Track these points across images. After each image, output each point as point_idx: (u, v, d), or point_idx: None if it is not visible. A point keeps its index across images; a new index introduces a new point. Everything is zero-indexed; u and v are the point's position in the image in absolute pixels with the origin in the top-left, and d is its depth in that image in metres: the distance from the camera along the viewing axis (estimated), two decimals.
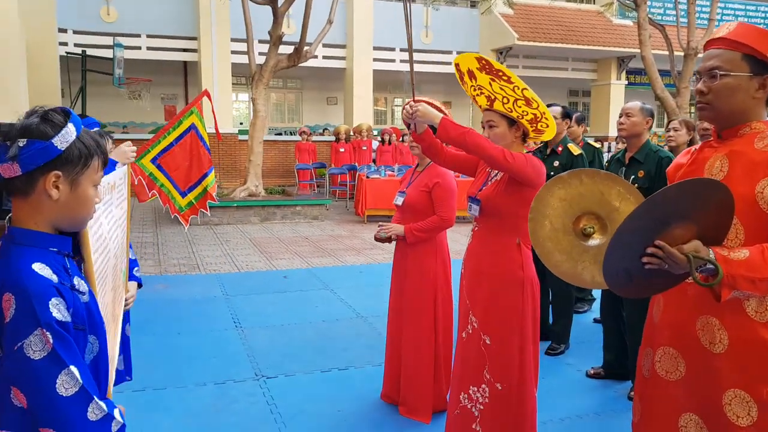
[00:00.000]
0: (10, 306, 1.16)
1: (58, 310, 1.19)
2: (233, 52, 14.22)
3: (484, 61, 2.32)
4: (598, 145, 4.91)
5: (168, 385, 3.50)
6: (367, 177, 10.53)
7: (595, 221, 1.82)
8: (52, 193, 1.23)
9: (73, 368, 1.20)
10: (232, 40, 14.11)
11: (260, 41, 12.50)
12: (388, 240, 3.05)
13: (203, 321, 4.70)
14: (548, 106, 4.27)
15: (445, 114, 3.00)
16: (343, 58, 16.09)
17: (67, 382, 1.19)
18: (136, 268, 2.58)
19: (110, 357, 1.68)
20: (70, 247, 1.33)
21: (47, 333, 1.16)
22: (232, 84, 15.04)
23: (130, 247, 2.63)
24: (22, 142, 1.20)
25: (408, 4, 2.38)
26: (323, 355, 4.05)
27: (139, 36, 14.01)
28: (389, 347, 3.26)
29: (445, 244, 3.09)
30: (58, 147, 1.22)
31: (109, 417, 1.27)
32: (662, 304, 1.73)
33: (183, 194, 5.90)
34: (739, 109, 1.62)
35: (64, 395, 1.19)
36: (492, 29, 16.17)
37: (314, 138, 14.86)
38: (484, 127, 2.49)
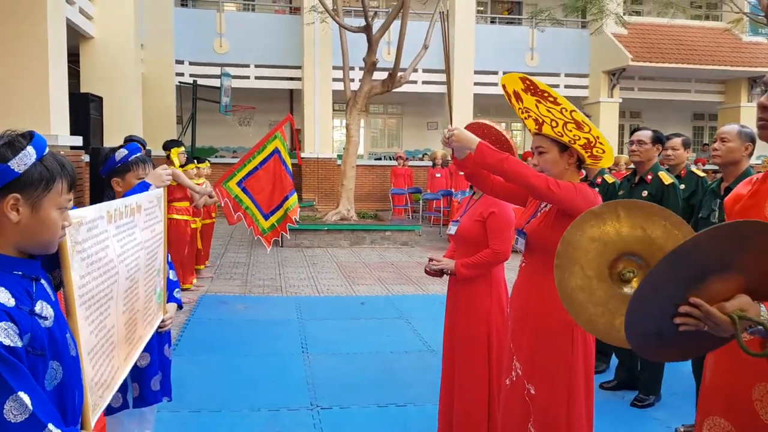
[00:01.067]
0: None
1: (6, 335, 1.13)
2: (334, 80, 14.65)
3: (528, 82, 2.08)
4: (703, 174, 4.33)
5: (224, 407, 3.48)
6: (459, 203, 10.31)
7: (636, 263, 1.51)
8: (11, 216, 1.19)
9: (21, 394, 1.14)
10: (334, 68, 14.56)
11: (360, 68, 12.81)
12: (439, 274, 2.85)
13: (272, 344, 4.70)
14: (637, 129, 3.91)
15: (507, 139, 2.78)
16: (443, 83, 16.04)
17: (16, 409, 1.13)
18: (176, 290, 2.58)
19: (108, 380, 1.64)
20: (37, 271, 1.29)
21: None
22: (334, 110, 15.48)
23: (171, 267, 2.63)
24: None
25: (446, 24, 2.21)
26: (384, 388, 3.88)
27: (248, 66, 14.87)
28: (443, 387, 3.03)
29: (502, 278, 2.82)
30: (15, 170, 1.18)
31: None
32: (713, 365, 1.41)
33: (266, 217, 6.04)
34: None
35: (12, 422, 1.13)
36: (603, 50, 15.42)
37: (412, 163, 14.87)
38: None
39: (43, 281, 1.32)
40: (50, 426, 1.18)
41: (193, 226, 6.17)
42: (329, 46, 14.39)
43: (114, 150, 2.42)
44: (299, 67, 15.18)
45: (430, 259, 2.86)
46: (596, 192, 2.12)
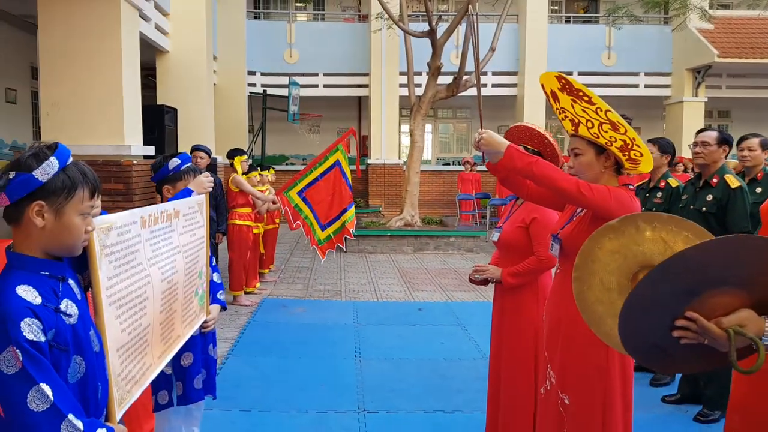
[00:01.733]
0: None
1: (30, 330, 1.22)
2: (401, 86, 14.73)
3: (564, 80, 2.02)
4: None
5: (273, 408, 3.56)
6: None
7: None
8: (36, 221, 1.29)
9: (43, 386, 1.22)
10: (401, 73, 14.64)
11: (427, 73, 12.83)
12: (484, 283, 2.80)
13: (327, 347, 4.77)
14: (703, 130, 3.68)
15: (551, 141, 2.69)
16: (514, 86, 15.80)
17: (38, 399, 1.22)
18: (220, 292, 2.67)
19: (139, 377, 1.72)
20: (64, 271, 1.38)
21: (17, 351, 1.20)
22: (401, 116, 15.56)
23: (216, 270, 2.72)
24: (11, 175, 1.27)
25: (475, 25, 2.18)
26: (433, 395, 3.85)
27: (316, 75, 15.22)
28: (490, 396, 2.97)
29: (549, 284, 2.74)
30: (39, 179, 1.28)
31: None
32: (734, 377, 1.32)
33: (323, 227, 6.15)
34: None
35: (35, 410, 1.22)
36: (687, 46, 14.62)
37: (481, 168, 14.69)
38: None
39: (70, 281, 1.41)
40: (70, 416, 1.26)
41: (255, 231, 6.36)
42: (396, 52, 14.48)
43: (166, 159, 2.54)
44: (367, 74, 15.40)
45: (475, 268, 2.82)
46: (633, 196, 2.02)
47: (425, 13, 10.54)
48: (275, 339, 4.91)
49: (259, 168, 7.13)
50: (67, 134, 5.77)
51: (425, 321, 5.67)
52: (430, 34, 10.24)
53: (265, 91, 13.14)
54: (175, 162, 2.49)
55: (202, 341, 2.52)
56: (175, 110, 8.77)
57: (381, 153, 15.05)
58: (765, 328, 1.19)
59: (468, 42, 10.43)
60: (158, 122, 8.13)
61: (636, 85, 15.35)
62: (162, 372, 2.42)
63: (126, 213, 1.69)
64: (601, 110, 1.94)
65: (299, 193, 6.14)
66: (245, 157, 6.21)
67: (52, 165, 1.30)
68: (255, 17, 16.34)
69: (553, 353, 2.10)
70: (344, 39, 15.36)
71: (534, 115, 15.16)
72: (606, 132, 1.98)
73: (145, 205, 6.41)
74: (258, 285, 6.68)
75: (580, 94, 1.98)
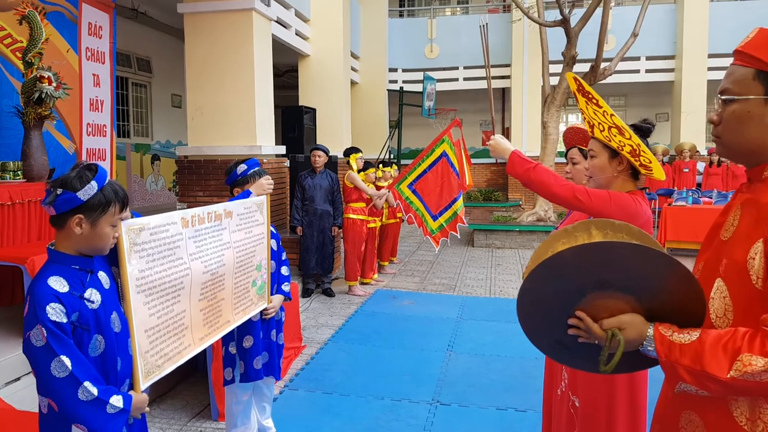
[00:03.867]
0: (26, 306, 1.58)
1: (54, 313, 1.55)
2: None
3: (578, 82, 1.96)
4: None
5: (353, 393, 3.81)
6: (671, 204, 9.26)
7: None
8: (75, 230, 1.62)
9: (63, 357, 1.55)
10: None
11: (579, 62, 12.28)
12: None
13: (422, 340, 4.91)
14: None
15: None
16: (670, 71, 14.50)
17: (59, 368, 1.55)
18: (285, 283, 2.95)
19: (173, 354, 2.03)
20: (92, 266, 1.70)
21: (43, 329, 1.53)
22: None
23: (286, 263, 3.01)
24: (59, 191, 1.61)
25: (485, 32, 2.16)
26: (511, 392, 3.83)
27: (457, 68, 15.28)
28: (545, 396, 2.93)
29: None
30: (81, 198, 1.60)
31: (100, 401, 1.60)
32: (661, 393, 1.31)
33: (434, 218, 6.31)
34: (757, 143, 1.17)
35: (57, 377, 1.56)
36: None
37: None
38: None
39: (101, 273, 1.74)
40: (86, 384, 1.58)
41: (370, 225, 6.68)
42: (538, 41, 14.01)
43: (236, 165, 2.87)
44: (508, 65, 15.12)
45: None
46: (640, 201, 1.91)
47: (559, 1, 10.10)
48: (375, 329, 5.17)
49: (381, 164, 7.45)
50: (209, 136, 6.56)
51: None
52: (563, 23, 9.78)
53: (401, 87, 13.50)
54: (242, 167, 2.81)
55: (263, 327, 2.82)
56: (313, 110, 9.41)
57: (522, 145, 14.71)
58: (647, 334, 1.19)
59: (606, 28, 9.80)
60: (298, 122, 8.81)
61: None
62: (228, 351, 2.78)
63: (163, 215, 2.00)
64: (608, 114, 1.87)
65: (409, 186, 6.35)
66: (360, 154, 6.54)
67: (92, 187, 1.62)
68: (399, 15, 16.80)
69: None
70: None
71: (693, 102, 13.82)
72: (615, 136, 1.91)
73: (274, 200, 6.99)
74: (375, 276, 7.00)
75: (590, 96, 1.92)
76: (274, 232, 2.96)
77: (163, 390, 3.71)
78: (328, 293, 6.30)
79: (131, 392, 1.77)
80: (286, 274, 3.01)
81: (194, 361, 3.76)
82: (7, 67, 4.41)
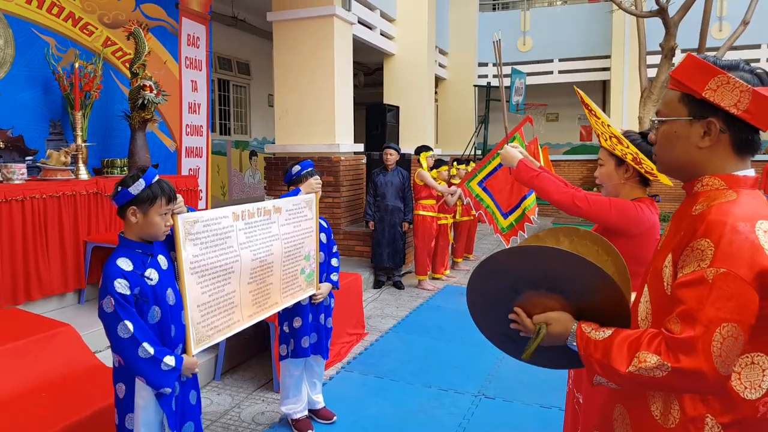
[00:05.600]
0: (101, 280, 2.00)
1: (121, 286, 1.96)
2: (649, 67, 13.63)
3: (579, 94, 2.10)
4: None
5: (402, 379, 4.08)
6: None
7: None
8: (131, 219, 2.03)
9: (126, 322, 1.96)
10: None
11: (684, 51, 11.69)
12: None
13: (480, 336, 5.04)
14: None
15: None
16: None
17: (123, 330, 1.96)
18: (334, 273, 3.27)
19: (223, 327, 2.40)
20: (152, 250, 2.10)
21: (111, 298, 1.95)
22: None
23: (336, 255, 3.34)
24: (119, 189, 2.03)
25: (497, 48, 2.32)
26: (560, 392, 3.87)
27: (551, 61, 14.98)
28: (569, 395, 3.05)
29: None
30: (133, 193, 2.01)
31: (155, 359, 1.99)
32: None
33: (505, 216, 6.42)
34: (685, 161, 1.27)
35: (122, 337, 1.97)
36: None
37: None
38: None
39: (160, 257, 2.13)
40: (144, 344, 1.98)
41: (441, 222, 6.89)
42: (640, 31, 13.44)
43: (292, 166, 3.23)
44: (608, 57, 14.61)
45: None
46: (644, 208, 2.00)
47: None
48: (437, 322, 5.40)
49: (455, 162, 7.62)
50: (293, 135, 7.07)
51: None
52: (660, 13, 9.39)
53: (488, 83, 13.48)
54: (296, 168, 3.16)
55: (312, 310, 3.16)
56: (396, 108, 9.72)
57: None
58: (570, 329, 1.31)
59: (709, 16, 9.29)
60: (381, 119, 9.15)
61: None
62: (282, 330, 3.16)
63: (216, 210, 2.38)
64: (605, 124, 1.99)
65: (480, 184, 6.47)
66: (431, 152, 6.75)
67: (140, 184, 2.02)
68: (493, 8, 16.69)
69: None
70: (582, 21, 14.80)
71: None
72: (617, 145, 2.02)
73: (351, 195, 7.41)
74: (447, 272, 7.21)
75: (589, 108, 2.05)
76: (325, 226, 3.29)
77: (237, 362, 4.19)
78: (398, 286, 6.60)
79: (183, 355, 2.15)
80: (336, 265, 3.33)
81: (266, 339, 4.21)
82: (118, 76, 5.09)
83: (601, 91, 16.52)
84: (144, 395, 2.06)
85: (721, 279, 1.08)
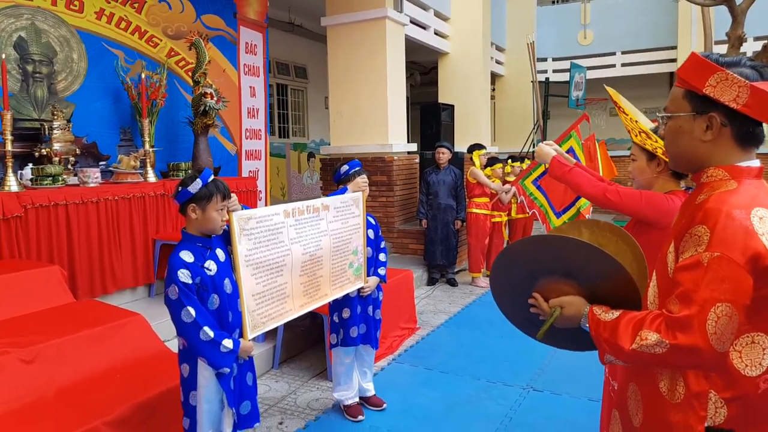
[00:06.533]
0: (167, 270, 2.22)
1: (184, 275, 2.17)
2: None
3: (609, 91, 2.15)
4: None
5: (452, 371, 4.17)
6: None
7: None
8: (191, 215, 2.24)
9: (189, 308, 2.17)
10: (715, 43, 12.99)
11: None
12: None
13: None
14: None
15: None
16: None
17: (186, 315, 2.17)
18: (381, 267, 3.42)
19: (276, 315, 2.59)
20: (210, 243, 2.31)
21: (176, 287, 2.16)
22: None
23: (384, 251, 3.48)
24: (180, 188, 2.24)
25: (531, 50, 2.38)
26: None
27: (614, 54, 14.59)
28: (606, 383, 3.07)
29: None
30: (191, 191, 2.22)
31: (215, 342, 2.19)
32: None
33: (558, 215, 6.38)
34: (691, 154, 1.34)
35: (186, 321, 2.18)
36: None
37: None
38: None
39: (218, 250, 2.34)
40: (205, 328, 2.18)
41: (495, 219, 6.91)
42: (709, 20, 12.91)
43: (340, 166, 3.39)
44: (674, 47, 14.09)
45: None
46: (673, 200, 2.02)
47: None
48: (488, 318, 5.45)
49: (510, 159, 7.62)
50: (347, 136, 7.27)
51: None
52: (725, 1, 9.01)
53: (547, 78, 13.29)
54: (345, 168, 3.32)
55: (360, 302, 3.32)
56: (451, 106, 9.79)
57: None
58: (583, 312, 1.41)
59: None
60: (435, 119, 9.24)
61: None
62: (333, 320, 3.33)
63: (267, 208, 2.57)
64: (633, 120, 2.04)
65: (534, 182, 6.46)
66: (484, 151, 6.79)
67: (198, 183, 2.23)
68: (552, 2, 16.42)
69: None
70: (646, 12, 14.35)
71: None
72: (646, 140, 2.06)
73: (404, 194, 7.56)
74: None
75: (616, 104, 2.09)
76: (373, 223, 3.44)
77: (293, 353, 4.41)
78: (452, 283, 6.68)
79: (240, 339, 2.35)
80: (383, 260, 3.47)
81: (321, 331, 4.40)
82: (182, 84, 5.43)
83: (668, 83, 15.93)
84: (206, 374, 2.26)
85: (715, 262, 1.16)
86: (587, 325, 1.40)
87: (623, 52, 14.57)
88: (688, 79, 1.31)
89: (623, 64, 14.63)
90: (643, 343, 1.22)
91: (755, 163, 1.29)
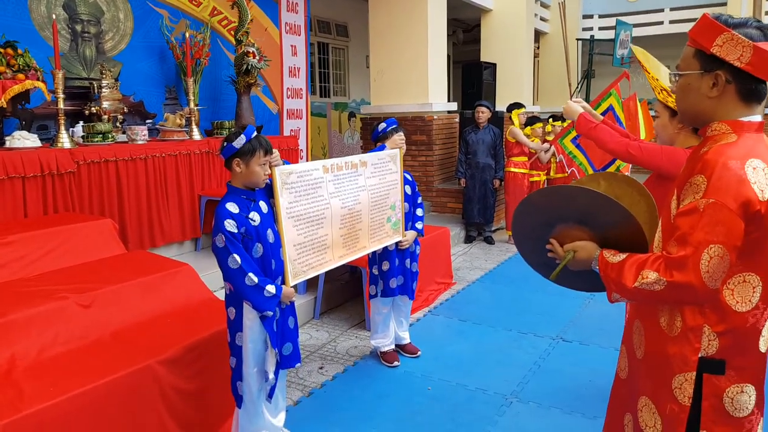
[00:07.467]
0: (214, 220, 2.38)
1: (230, 225, 2.33)
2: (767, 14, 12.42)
3: (635, 49, 2.18)
4: None
5: (485, 323, 4.29)
6: None
7: None
8: (236, 169, 2.38)
9: (235, 255, 2.33)
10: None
11: None
12: None
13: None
14: None
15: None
16: None
17: (232, 261, 2.34)
18: (418, 222, 3.53)
19: (316, 264, 2.74)
20: (254, 196, 2.45)
21: (223, 235, 2.33)
22: None
23: (421, 206, 3.59)
24: (225, 144, 2.38)
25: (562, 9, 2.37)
26: None
27: (662, 11, 13.99)
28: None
29: None
30: (235, 146, 2.35)
31: (259, 287, 2.36)
32: (644, 346, 1.58)
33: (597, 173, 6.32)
34: (698, 109, 1.43)
35: (232, 267, 2.34)
36: None
37: None
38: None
39: (261, 203, 2.48)
40: (250, 274, 2.35)
41: (533, 179, 6.90)
42: None
43: (378, 124, 3.48)
44: (724, 4, 13.41)
45: None
46: (685, 153, 2.07)
47: None
48: (523, 274, 5.41)
49: (551, 119, 7.53)
50: (388, 96, 7.31)
51: None
52: None
53: (592, 36, 12.88)
54: (382, 125, 3.41)
55: (399, 255, 3.45)
56: (493, 65, 9.66)
57: None
58: (594, 255, 1.53)
59: None
60: (477, 77, 9.15)
61: None
62: (372, 272, 3.48)
63: (308, 163, 2.70)
64: (654, 78, 2.07)
65: (573, 141, 6.40)
66: (523, 110, 6.74)
67: (242, 139, 2.36)
68: None
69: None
70: None
71: None
72: (668, 97, 2.10)
73: (444, 153, 7.64)
74: None
75: (640, 62, 2.12)
76: (410, 179, 3.54)
77: (334, 305, 4.61)
78: (489, 241, 6.76)
79: (283, 285, 2.52)
80: (420, 215, 3.58)
81: (360, 285, 4.58)
82: (224, 44, 5.56)
83: None
84: (250, 317, 2.44)
85: (710, 208, 1.27)
86: (597, 267, 1.51)
87: (672, 9, 13.94)
88: (698, 39, 1.38)
89: (671, 21, 14.01)
90: (644, 281, 1.35)
91: (757, 118, 1.38)
